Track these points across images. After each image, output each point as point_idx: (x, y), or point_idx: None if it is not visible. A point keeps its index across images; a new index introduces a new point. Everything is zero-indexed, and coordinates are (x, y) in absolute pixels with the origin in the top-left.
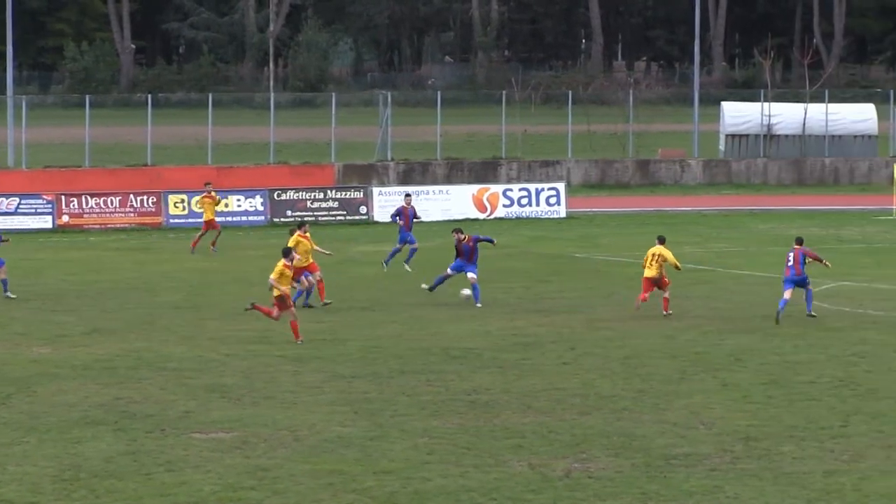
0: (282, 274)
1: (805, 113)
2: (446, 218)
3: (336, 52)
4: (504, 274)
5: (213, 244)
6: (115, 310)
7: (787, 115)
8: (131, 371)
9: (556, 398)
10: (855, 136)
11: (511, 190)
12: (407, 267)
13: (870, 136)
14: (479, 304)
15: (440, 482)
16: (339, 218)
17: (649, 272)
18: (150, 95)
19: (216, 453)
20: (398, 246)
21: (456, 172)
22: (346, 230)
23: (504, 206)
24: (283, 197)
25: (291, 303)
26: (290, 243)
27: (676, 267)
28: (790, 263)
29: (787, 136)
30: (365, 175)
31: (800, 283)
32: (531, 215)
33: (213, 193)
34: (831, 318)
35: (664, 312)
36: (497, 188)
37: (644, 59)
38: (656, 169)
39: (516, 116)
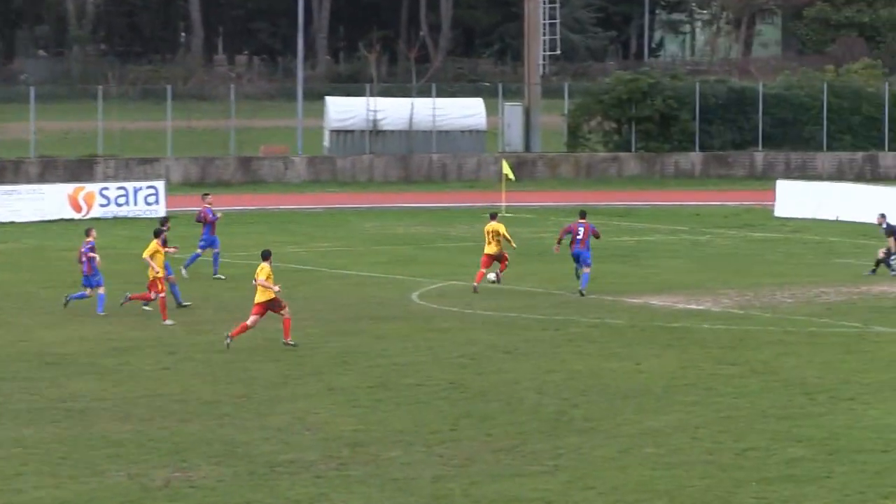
0: (269, 276)
1: (412, 108)
2: (40, 218)
3: None
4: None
5: None
6: None
7: (394, 110)
8: None
9: (155, 405)
10: (463, 132)
11: (108, 189)
12: (220, 276)
13: (478, 132)
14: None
15: (34, 494)
16: None
17: (489, 249)
18: None
19: None
20: (199, 252)
21: (50, 171)
22: None
23: (101, 205)
24: None
25: (284, 303)
26: (147, 253)
27: (509, 242)
28: (580, 237)
29: (393, 131)
30: None
31: (584, 258)
32: (129, 215)
33: None
34: (440, 318)
35: (497, 279)
36: (93, 187)
37: (246, 52)
38: (259, 166)
39: (114, 112)
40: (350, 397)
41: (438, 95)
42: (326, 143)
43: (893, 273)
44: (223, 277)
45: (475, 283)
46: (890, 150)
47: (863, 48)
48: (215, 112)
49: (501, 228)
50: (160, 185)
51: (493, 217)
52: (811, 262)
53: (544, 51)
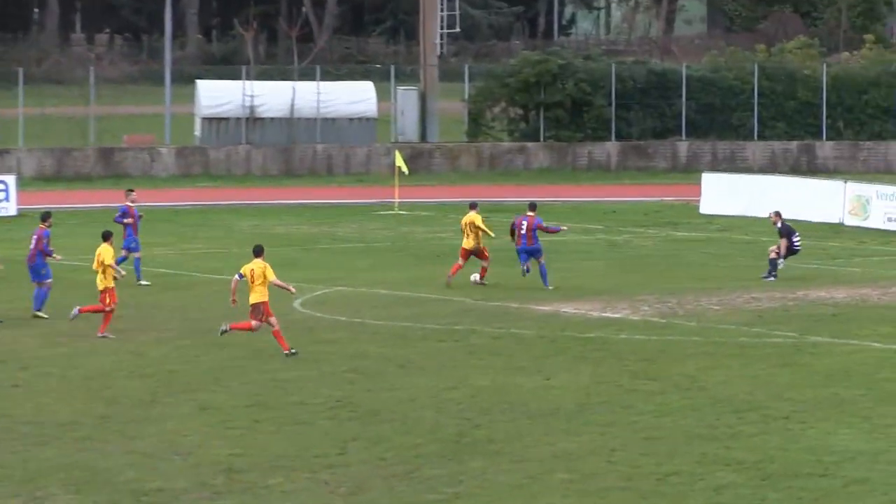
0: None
1: (293, 93)
2: None
3: None
4: None
5: None
6: None
7: (273, 96)
8: None
9: (5, 427)
10: (351, 119)
11: None
12: (144, 282)
13: (367, 119)
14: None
15: None
16: None
17: (466, 243)
18: None
19: None
20: (124, 254)
21: None
22: None
23: None
24: None
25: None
26: (109, 258)
27: (487, 233)
28: (523, 232)
29: (272, 119)
30: None
31: (532, 252)
32: None
33: None
34: (325, 328)
35: (479, 280)
36: None
37: (107, 30)
38: (122, 158)
39: None
40: (225, 418)
41: (323, 79)
42: (198, 132)
43: (771, 278)
44: (147, 283)
45: (450, 275)
46: (828, 139)
47: (798, 25)
48: (73, 97)
49: (477, 220)
50: (10, 179)
51: (473, 207)
52: (741, 265)
53: (442, 28)
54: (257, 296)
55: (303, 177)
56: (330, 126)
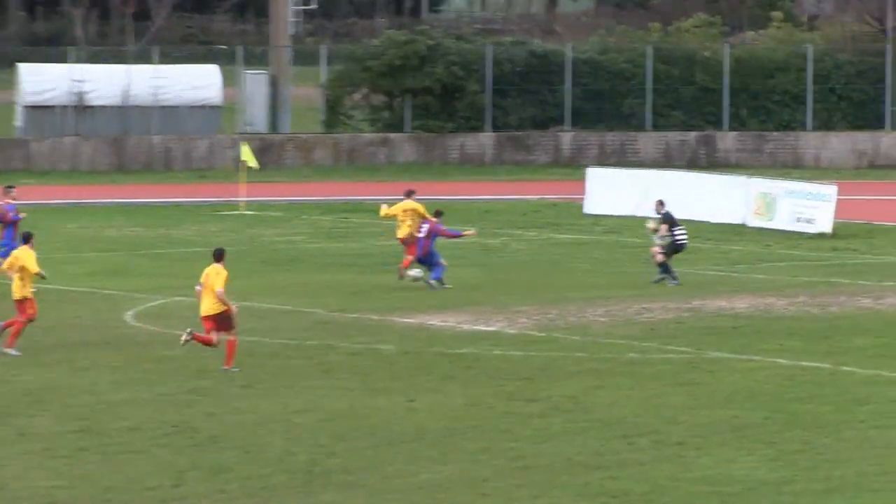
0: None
1: (128, 77)
2: None
3: None
4: None
5: None
6: None
7: (105, 81)
8: None
9: None
10: (192, 107)
11: None
12: None
13: (211, 107)
14: None
15: None
16: None
17: (400, 232)
18: None
19: None
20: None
21: None
22: None
23: None
24: None
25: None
26: (34, 264)
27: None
28: (422, 235)
29: (104, 107)
30: None
31: (428, 261)
32: None
33: None
34: (161, 344)
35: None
36: None
37: None
38: None
39: None
40: (46, 445)
41: (161, 61)
42: (18, 121)
43: (674, 282)
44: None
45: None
46: (730, 129)
47: (696, 1)
48: None
49: (421, 208)
50: None
51: (410, 195)
52: (631, 272)
53: (296, 5)
54: (209, 305)
55: (137, 172)
56: (168, 115)
